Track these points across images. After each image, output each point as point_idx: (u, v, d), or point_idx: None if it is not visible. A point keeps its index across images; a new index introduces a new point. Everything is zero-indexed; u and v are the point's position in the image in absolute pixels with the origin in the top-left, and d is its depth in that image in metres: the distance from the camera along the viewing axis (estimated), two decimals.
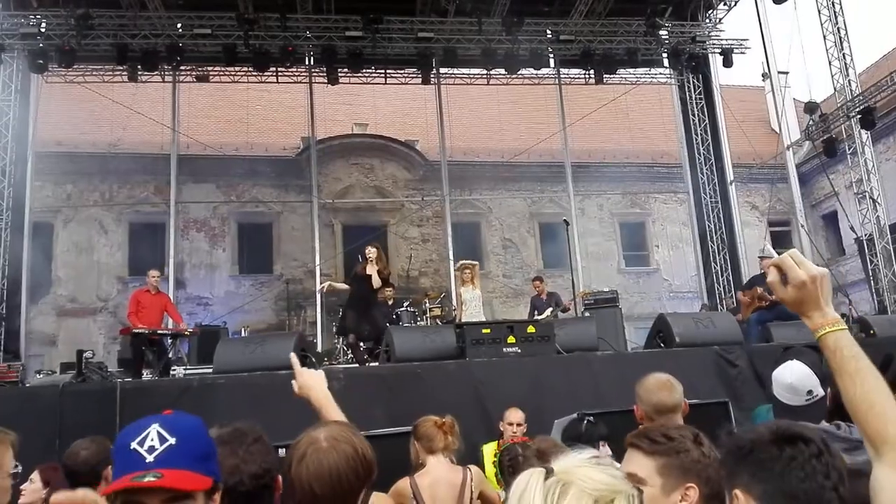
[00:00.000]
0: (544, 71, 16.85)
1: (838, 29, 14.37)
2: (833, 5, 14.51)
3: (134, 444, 1.32)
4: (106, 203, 18.08)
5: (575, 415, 4.75)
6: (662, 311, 15.96)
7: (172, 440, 1.32)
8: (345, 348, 11.06)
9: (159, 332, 9.23)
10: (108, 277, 17.73)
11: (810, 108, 14.85)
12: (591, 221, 20.25)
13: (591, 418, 4.96)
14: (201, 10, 13.94)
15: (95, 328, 17.21)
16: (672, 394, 2.74)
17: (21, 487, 3.42)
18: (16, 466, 2.56)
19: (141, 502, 1.28)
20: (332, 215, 18.81)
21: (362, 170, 19.79)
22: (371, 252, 8.50)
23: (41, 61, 13.17)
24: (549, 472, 1.18)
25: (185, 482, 1.29)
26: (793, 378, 2.32)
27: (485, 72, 16.51)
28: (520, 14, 14.39)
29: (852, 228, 14.80)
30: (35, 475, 3.46)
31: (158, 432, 1.33)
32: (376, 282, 8.37)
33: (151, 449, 1.31)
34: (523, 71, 16.19)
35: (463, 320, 8.92)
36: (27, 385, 8.94)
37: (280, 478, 1.99)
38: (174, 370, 9.70)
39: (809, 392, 2.31)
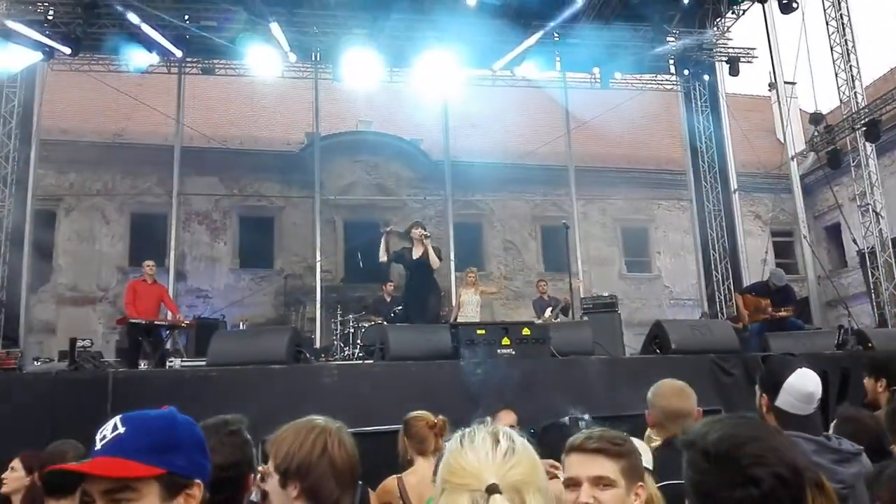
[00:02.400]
0: (550, 73, 16.84)
1: (846, 41, 14.35)
2: (841, 17, 14.49)
3: (97, 434, 1.37)
4: (108, 193, 18.06)
5: (566, 419, 4.73)
6: (662, 317, 15.96)
7: (122, 430, 1.35)
8: (342, 345, 11.05)
9: (156, 322, 9.23)
10: (108, 267, 17.73)
11: (815, 119, 14.84)
12: (594, 226, 20.22)
13: (583, 421, 4.95)
14: (209, 2, 13.93)
15: (95, 317, 17.22)
16: (686, 400, 2.75)
17: (2, 476, 3.38)
18: None
19: (86, 490, 1.34)
20: (334, 212, 18.80)
21: (365, 167, 19.77)
22: (417, 232, 7.92)
23: (47, 49, 13.18)
24: (495, 490, 1.16)
25: (110, 469, 1.29)
26: (813, 386, 2.28)
27: (490, 73, 16.49)
28: (526, 16, 14.36)
29: (854, 241, 14.76)
30: (16, 463, 3.42)
31: (115, 423, 1.37)
32: (434, 262, 7.87)
33: (103, 438, 1.35)
34: (529, 72, 16.18)
35: (458, 321, 9.01)
36: (24, 372, 8.94)
37: (251, 477, 1.96)
38: (171, 361, 9.70)
39: (819, 399, 2.30)
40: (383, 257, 8.26)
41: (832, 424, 2.92)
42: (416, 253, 7.92)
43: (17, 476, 3.34)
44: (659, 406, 2.75)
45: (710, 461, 1.21)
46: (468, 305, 10.22)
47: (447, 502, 1.20)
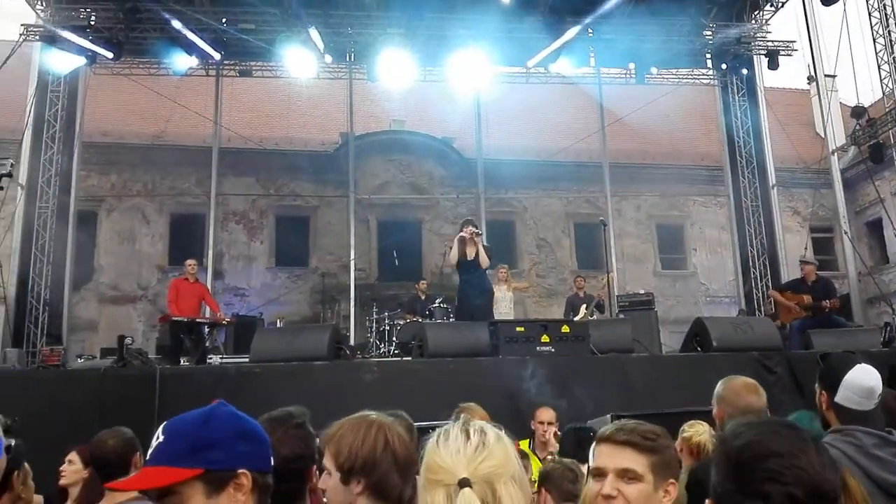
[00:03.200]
0: (584, 69, 16.70)
1: (889, 32, 13.99)
2: (885, 7, 14.13)
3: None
4: (148, 193, 18.43)
5: (608, 416, 4.71)
6: (699, 315, 15.73)
7: (162, 438, 1.43)
8: (377, 342, 11.12)
9: (198, 320, 9.40)
10: (148, 266, 18.09)
11: (857, 112, 14.49)
12: (628, 223, 20.04)
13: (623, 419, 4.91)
14: (246, 5, 14.12)
15: (135, 315, 17.57)
16: (760, 396, 2.73)
17: (60, 469, 3.46)
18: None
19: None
20: (368, 211, 18.92)
21: (399, 166, 19.85)
22: (468, 231, 7.79)
23: (90, 53, 13.48)
24: (466, 483, 1.27)
25: (148, 480, 1.39)
26: (873, 381, 2.27)
27: (523, 69, 16.42)
28: (561, 12, 14.28)
29: None
30: (73, 455, 3.47)
31: (158, 432, 1.44)
32: (484, 261, 7.83)
33: (150, 447, 1.44)
34: (563, 69, 16.08)
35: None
36: (69, 368, 9.17)
37: (314, 469, 1.99)
38: (211, 358, 9.87)
39: (879, 395, 2.29)
40: (453, 262, 8.24)
41: None
42: (470, 253, 7.79)
43: (75, 469, 3.40)
44: (732, 402, 2.69)
45: (730, 466, 1.22)
46: (501, 302, 10.21)
47: (426, 497, 1.32)
